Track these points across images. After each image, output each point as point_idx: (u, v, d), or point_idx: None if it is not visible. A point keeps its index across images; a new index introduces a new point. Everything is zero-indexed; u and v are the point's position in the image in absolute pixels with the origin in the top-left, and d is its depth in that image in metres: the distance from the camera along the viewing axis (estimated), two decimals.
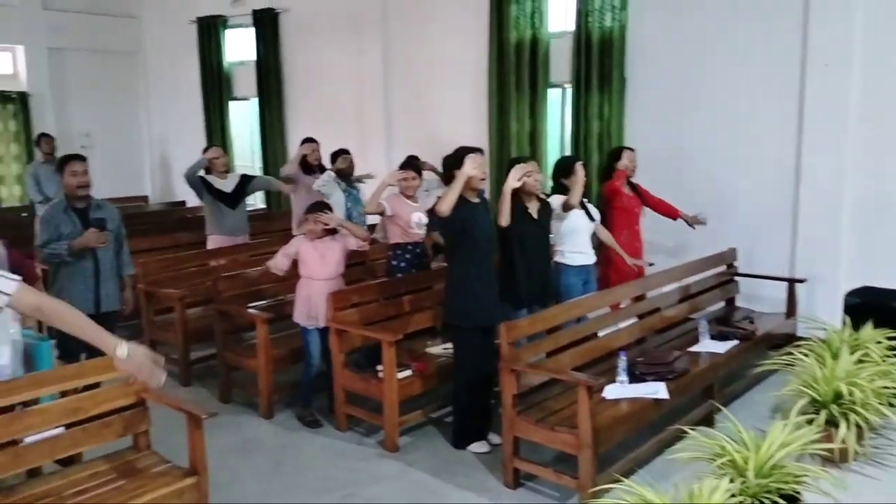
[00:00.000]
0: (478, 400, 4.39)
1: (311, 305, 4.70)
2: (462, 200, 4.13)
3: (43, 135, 8.73)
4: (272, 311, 5.11)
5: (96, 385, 3.50)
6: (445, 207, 4.03)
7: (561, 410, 3.88)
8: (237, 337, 5.34)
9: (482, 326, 4.27)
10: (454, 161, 4.21)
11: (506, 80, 7.13)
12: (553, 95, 7.18)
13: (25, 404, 3.23)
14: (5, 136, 9.59)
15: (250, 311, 5.10)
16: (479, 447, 4.37)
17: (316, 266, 4.72)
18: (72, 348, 4.32)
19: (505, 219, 4.27)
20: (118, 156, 10.49)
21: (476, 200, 4.28)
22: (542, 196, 4.81)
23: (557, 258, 5.07)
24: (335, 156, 6.18)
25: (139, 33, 10.71)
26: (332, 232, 4.76)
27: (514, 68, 7.07)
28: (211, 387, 5.45)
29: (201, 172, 6.37)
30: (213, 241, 6.55)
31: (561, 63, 6.93)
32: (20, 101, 9.62)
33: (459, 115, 7.59)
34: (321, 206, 4.86)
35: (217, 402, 5.22)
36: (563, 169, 5.04)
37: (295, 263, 4.79)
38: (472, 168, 4.11)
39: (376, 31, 8.15)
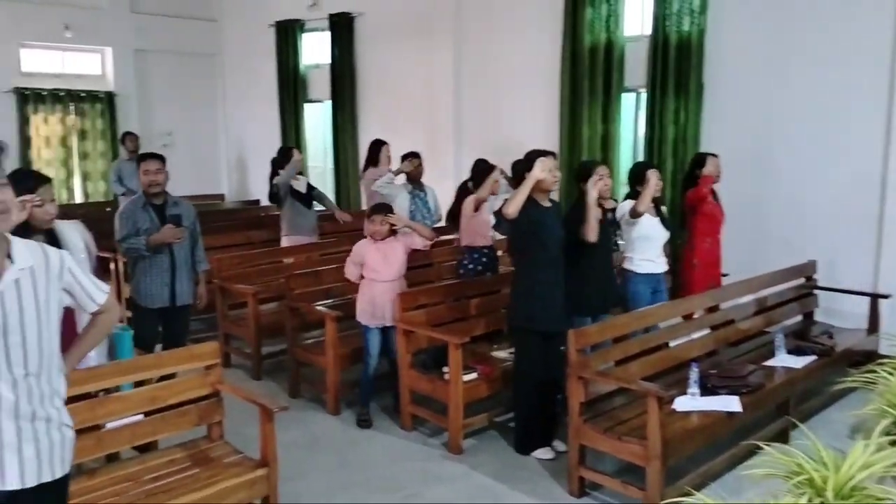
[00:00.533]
0: (540, 406, 4.36)
1: (375, 305, 4.76)
2: (532, 203, 4.11)
3: (127, 133, 9.12)
4: (340, 309, 5.19)
5: (171, 376, 3.63)
6: (512, 209, 4.03)
7: (629, 420, 3.82)
8: (308, 333, 5.44)
9: (547, 332, 4.24)
10: (525, 164, 4.20)
11: (579, 85, 7.07)
12: (627, 100, 7.09)
13: (107, 391, 3.37)
14: (93, 134, 10.03)
15: (320, 308, 5.19)
16: (543, 453, 4.34)
17: (380, 267, 4.76)
18: (147, 338, 4.51)
19: (593, 235, 4.27)
20: (197, 154, 10.83)
21: (547, 204, 4.25)
22: (611, 202, 4.77)
23: (626, 265, 4.99)
24: (405, 158, 6.24)
25: (219, 36, 11.05)
26: (394, 232, 4.81)
27: (588, 72, 7.00)
28: (280, 381, 5.57)
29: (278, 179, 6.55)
30: (287, 241, 6.71)
31: (636, 67, 6.83)
32: (107, 101, 10.05)
33: (530, 118, 7.56)
34: (385, 208, 4.91)
35: (286, 396, 5.34)
36: (637, 175, 4.96)
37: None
38: (542, 171, 4.09)
39: (448, 35, 8.20)
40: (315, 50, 9.95)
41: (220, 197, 10.95)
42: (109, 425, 3.31)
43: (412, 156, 6.23)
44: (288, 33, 9.91)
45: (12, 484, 2.19)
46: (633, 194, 4.93)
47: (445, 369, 4.46)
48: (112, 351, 3.72)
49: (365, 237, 4.84)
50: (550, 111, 7.34)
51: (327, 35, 9.43)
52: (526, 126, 7.50)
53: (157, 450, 3.63)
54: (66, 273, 2.30)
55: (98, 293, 2.44)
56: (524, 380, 4.33)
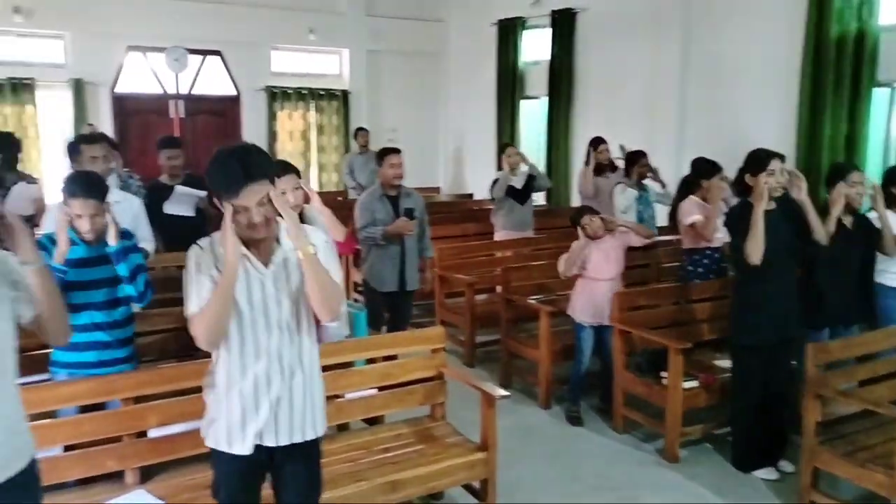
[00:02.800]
0: (762, 423, 4.09)
1: (594, 304, 4.72)
2: (750, 207, 3.85)
3: (360, 129, 9.80)
4: (552, 304, 5.21)
5: (393, 357, 3.85)
6: (755, 256, 3.77)
7: (874, 447, 3.48)
8: (520, 326, 5.54)
9: (772, 344, 3.96)
10: (752, 165, 3.94)
11: (822, 79, 6.49)
12: (879, 96, 6.40)
13: (342, 365, 3.66)
14: (328, 129, 10.89)
15: (536, 302, 5.25)
16: (766, 473, 4.08)
17: (601, 265, 4.72)
18: (376, 319, 4.84)
19: (825, 236, 3.93)
20: (417, 149, 11.32)
21: (770, 207, 3.90)
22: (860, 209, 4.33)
23: (878, 278, 4.51)
24: (632, 157, 6.10)
25: (445, 36, 11.51)
26: (611, 231, 4.74)
27: (834, 66, 6.41)
28: (492, 371, 5.73)
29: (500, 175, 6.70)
30: (500, 236, 6.86)
31: (891, 60, 6.16)
32: (342, 99, 10.87)
33: (761, 116, 7.08)
34: (589, 210, 4.85)
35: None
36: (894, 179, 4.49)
37: None
38: (762, 191, 3.81)
39: (677, 29, 7.90)
40: (534, 47, 10.05)
41: (437, 190, 11.42)
42: (348, 396, 3.60)
43: (639, 155, 6.09)
44: (509, 31, 10.09)
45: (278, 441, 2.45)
46: (891, 200, 4.44)
47: (664, 374, 4.33)
48: (350, 328, 4.04)
49: (580, 237, 4.81)
50: (785, 108, 6.82)
51: (548, 32, 9.49)
52: (756, 125, 7.03)
53: (384, 423, 3.89)
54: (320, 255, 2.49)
55: (335, 274, 2.53)
56: (743, 396, 4.09)
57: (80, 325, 3.05)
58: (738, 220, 3.92)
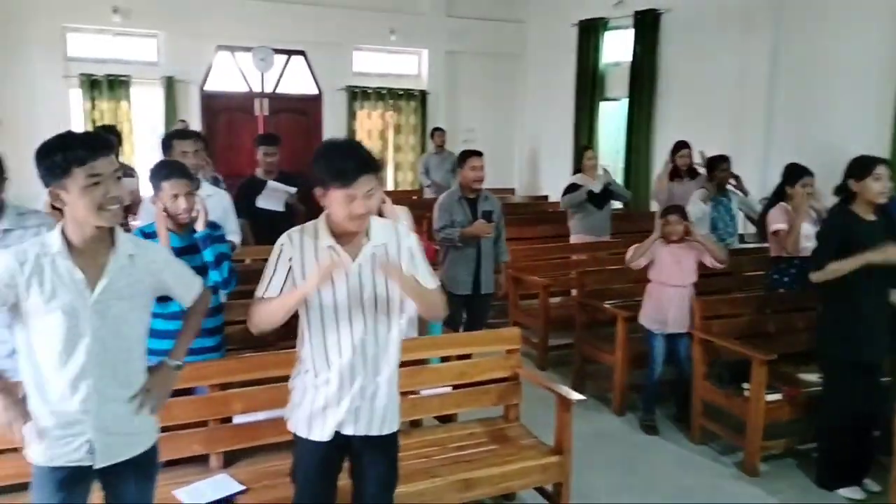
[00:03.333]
0: (850, 441, 3.92)
1: (661, 311, 4.63)
2: (850, 217, 3.69)
3: (437, 129, 9.87)
4: (628, 310, 5.12)
5: (467, 356, 3.86)
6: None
7: None
8: (595, 330, 5.47)
9: (869, 361, 3.79)
10: (857, 170, 3.77)
11: None
12: None
13: (417, 362, 3.69)
14: (406, 129, 11.01)
15: (611, 307, 5.18)
16: (851, 492, 3.92)
17: (671, 270, 4.62)
18: (452, 320, 4.86)
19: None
20: (493, 150, 11.22)
21: (870, 217, 3.73)
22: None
23: None
24: (714, 162, 5.94)
25: (524, 37, 11.46)
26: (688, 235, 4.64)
27: None
28: (564, 374, 5.67)
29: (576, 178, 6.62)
30: (576, 240, 6.79)
31: None
32: (420, 99, 10.96)
33: (857, 120, 6.77)
34: (679, 210, 4.75)
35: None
36: None
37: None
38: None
39: (767, 29, 7.64)
40: (616, 48, 9.91)
41: (511, 191, 11.39)
42: (423, 392, 3.64)
43: (721, 159, 5.93)
44: (590, 32, 9.98)
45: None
46: None
47: (746, 385, 4.21)
48: (423, 327, 4.08)
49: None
50: (884, 111, 6.51)
51: (630, 32, 9.34)
52: (850, 128, 6.74)
53: (456, 422, 3.91)
54: (405, 252, 2.51)
55: (430, 280, 2.56)
56: (835, 413, 3.92)
57: (170, 314, 3.17)
58: (829, 229, 3.78)
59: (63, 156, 2.03)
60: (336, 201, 2.32)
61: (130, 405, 2.24)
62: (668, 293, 4.61)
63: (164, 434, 3.09)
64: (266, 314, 2.41)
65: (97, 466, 2.20)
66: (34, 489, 2.22)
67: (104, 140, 2.15)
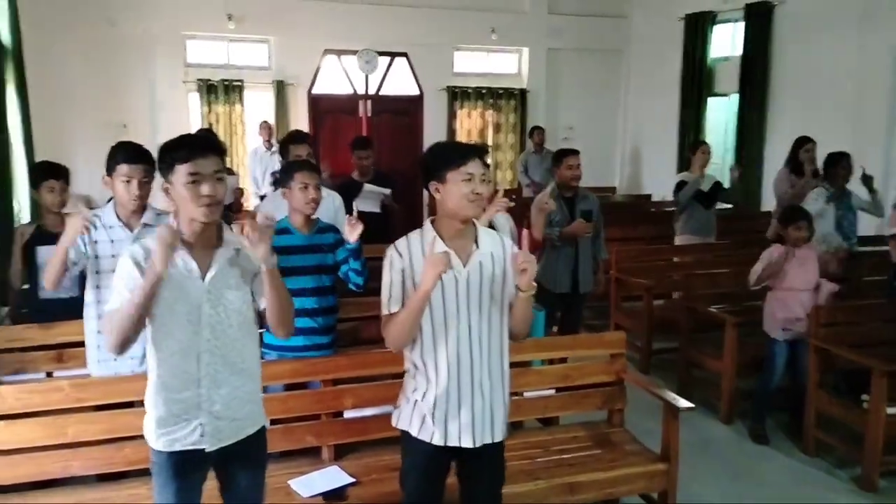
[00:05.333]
0: None
1: (787, 318, 4.45)
2: None
3: (535, 127, 9.83)
4: (736, 314, 4.96)
5: (563, 359, 3.86)
6: None
7: None
8: (701, 335, 5.33)
9: None
10: None
11: None
12: None
13: (519, 364, 3.70)
14: (505, 127, 11.02)
15: (719, 312, 5.03)
16: None
17: (797, 273, 4.44)
18: (549, 318, 4.84)
19: None
20: (593, 147, 11.11)
21: None
22: None
23: None
24: (834, 161, 5.65)
25: (627, 32, 11.24)
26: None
27: None
28: (668, 379, 5.54)
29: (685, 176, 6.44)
30: (681, 240, 6.61)
31: None
32: (520, 97, 10.94)
33: None
34: (807, 215, 4.55)
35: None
36: None
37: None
38: None
39: (889, 21, 7.20)
40: (725, 42, 9.57)
41: (612, 190, 11.21)
42: (527, 394, 3.66)
43: (841, 156, 5.64)
44: (697, 25, 9.67)
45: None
46: None
47: (865, 397, 4.01)
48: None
49: (774, 242, 4.56)
50: None
51: (741, 26, 9.00)
52: None
53: (559, 425, 3.91)
54: (509, 259, 2.51)
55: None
56: None
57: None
58: None
59: (170, 155, 2.24)
60: (454, 185, 2.38)
61: (241, 391, 2.37)
62: (797, 297, 4.44)
63: (280, 426, 3.29)
64: (399, 327, 2.43)
65: (209, 449, 2.33)
66: (154, 475, 2.38)
67: (207, 142, 2.31)
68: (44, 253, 3.55)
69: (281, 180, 3.46)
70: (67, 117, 8.69)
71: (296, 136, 4.76)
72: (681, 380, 5.34)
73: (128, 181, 3.05)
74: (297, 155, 4.40)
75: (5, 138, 4.79)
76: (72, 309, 3.38)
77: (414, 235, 2.52)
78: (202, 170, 2.21)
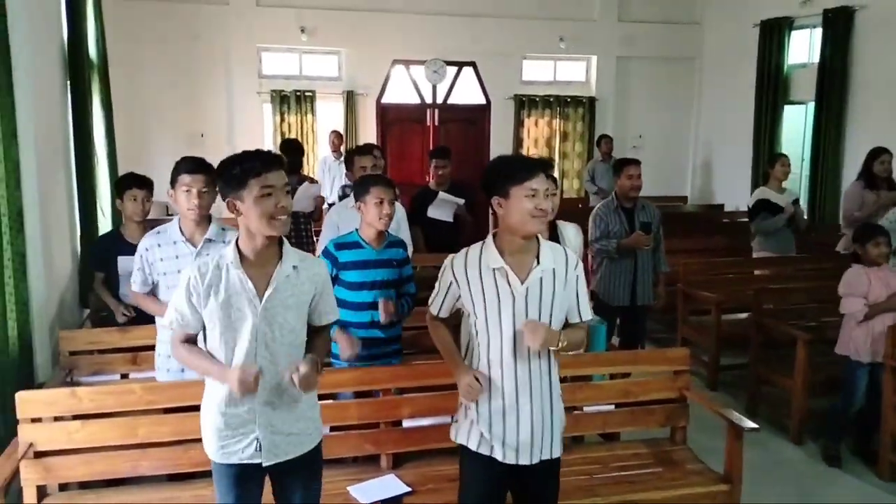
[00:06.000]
0: None
1: (874, 340, 4.25)
2: None
3: (603, 136, 9.73)
4: (812, 332, 4.78)
5: (626, 374, 3.81)
6: None
7: None
8: (772, 352, 5.16)
9: None
10: None
11: None
12: None
13: (579, 377, 3.67)
14: (573, 136, 10.93)
15: (793, 329, 4.86)
16: None
17: (881, 295, 4.25)
18: (607, 334, 4.77)
19: None
20: (663, 156, 10.99)
21: None
22: None
23: None
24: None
25: (700, 39, 11.01)
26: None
27: None
28: (736, 396, 5.39)
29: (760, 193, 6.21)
30: (759, 255, 6.37)
31: None
32: (588, 106, 10.84)
33: None
34: (885, 232, 4.35)
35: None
36: None
37: None
38: None
39: None
40: (802, 48, 9.27)
41: (683, 199, 10.99)
42: (587, 409, 3.63)
43: None
44: (773, 32, 9.39)
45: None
46: None
47: None
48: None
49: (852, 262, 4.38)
50: None
51: (819, 32, 8.70)
52: None
53: (619, 441, 3.86)
54: (571, 280, 2.51)
55: (587, 311, 2.59)
56: None
57: (360, 323, 3.39)
58: None
59: (241, 168, 2.27)
60: (517, 201, 2.38)
61: (296, 406, 2.42)
62: (881, 318, 4.25)
63: (340, 433, 3.35)
64: (434, 336, 2.68)
65: (266, 464, 2.39)
66: (215, 483, 2.47)
67: (276, 156, 2.37)
68: (125, 263, 3.74)
69: (356, 194, 3.45)
70: (149, 129, 9.11)
71: (361, 149, 4.86)
72: (750, 397, 5.18)
73: (188, 190, 3.15)
74: (361, 166, 4.48)
75: (90, 150, 5.03)
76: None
77: (473, 249, 2.54)
78: (275, 182, 2.27)
